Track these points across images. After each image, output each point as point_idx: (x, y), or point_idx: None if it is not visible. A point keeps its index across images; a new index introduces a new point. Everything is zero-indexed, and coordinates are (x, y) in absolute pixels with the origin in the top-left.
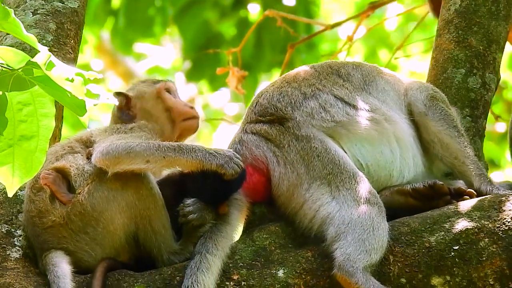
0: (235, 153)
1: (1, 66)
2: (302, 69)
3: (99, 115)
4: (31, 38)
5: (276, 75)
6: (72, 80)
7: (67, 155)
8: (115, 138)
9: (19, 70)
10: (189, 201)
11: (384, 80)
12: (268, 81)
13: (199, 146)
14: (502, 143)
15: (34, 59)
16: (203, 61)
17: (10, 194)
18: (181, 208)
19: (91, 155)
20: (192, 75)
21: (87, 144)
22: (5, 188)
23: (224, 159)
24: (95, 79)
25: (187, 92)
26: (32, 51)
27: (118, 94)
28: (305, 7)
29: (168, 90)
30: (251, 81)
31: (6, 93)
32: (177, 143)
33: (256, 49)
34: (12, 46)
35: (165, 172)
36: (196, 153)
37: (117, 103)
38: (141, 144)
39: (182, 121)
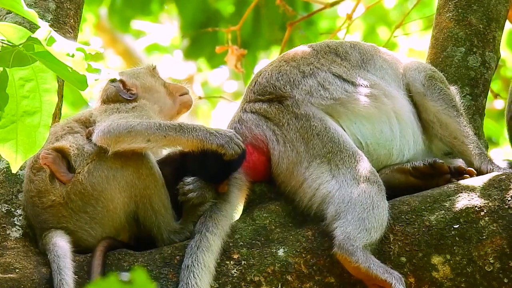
0: (235, 133)
1: (2, 42)
2: (300, 49)
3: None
4: (31, 14)
5: (274, 53)
6: (73, 55)
7: (67, 135)
8: (116, 117)
9: (20, 46)
10: (189, 179)
11: (382, 58)
12: (266, 59)
13: (200, 126)
14: (501, 120)
15: (34, 35)
16: (201, 39)
17: (14, 170)
18: (181, 187)
19: (91, 135)
20: (191, 53)
21: (87, 124)
22: (5, 168)
23: (224, 139)
24: (95, 54)
25: (186, 69)
26: (31, 31)
27: (113, 81)
28: None
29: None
30: (249, 59)
31: (8, 69)
32: (178, 122)
33: (254, 27)
34: None
35: (165, 151)
36: (197, 132)
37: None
38: (142, 123)
39: (180, 96)
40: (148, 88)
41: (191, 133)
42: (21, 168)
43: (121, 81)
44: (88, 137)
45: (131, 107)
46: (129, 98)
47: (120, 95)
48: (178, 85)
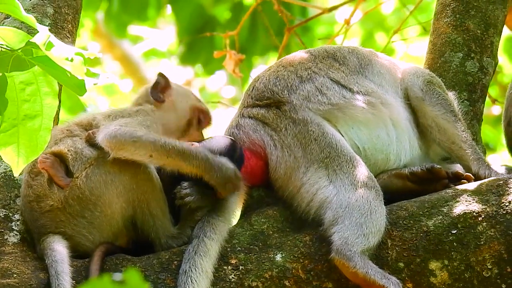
0: (237, 172)
1: (1, 47)
2: (298, 54)
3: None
4: (30, 19)
5: (271, 59)
6: (71, 60)
7: (66, 139)
8: (123, 122)
9: (19, 51)
10: (186, 183)
11: (380, 64)
12: (263, 64)
13: (204, 154)
14: (498, 126)
15: (33, 39)
16: (197, 44)
17: (16, 174)
18: (178, 191)
19: (90, 138)
20: (187, 59)
21: (88, 128)
22: (2, 173)
23: (223, 179)
24: (93, 60)
25: (184, 74)
26: (30, 35)
27: (161, 75)
28: None
29: (200, 117)
30: (246, 65)
31: (8, 73)
32: (184, 144)
33: (251, 33)
34: None
35: None
36: (199, 161)
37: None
38: (149, 137)
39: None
40: (173, 107)
41: (193, 160)
42: (20, 173)
43: (167, 82)
44: (88, 140)
45: (136, 109)
46: (154, 97)
47: (150, 91)
48: (197, 134)
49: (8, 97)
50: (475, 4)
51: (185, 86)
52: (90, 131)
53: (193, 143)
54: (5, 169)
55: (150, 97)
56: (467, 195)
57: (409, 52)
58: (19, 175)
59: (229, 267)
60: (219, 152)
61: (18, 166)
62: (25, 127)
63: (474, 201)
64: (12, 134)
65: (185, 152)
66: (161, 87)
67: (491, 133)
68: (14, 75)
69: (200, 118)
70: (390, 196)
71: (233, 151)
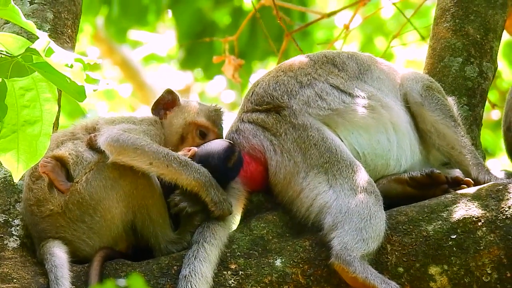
0: (231, 204)
1: (0, 53)
2: (297, 59)
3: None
4: (29, 25)
5: (270, 64)
6: (71, 66)
7: (68, 142)
8: (126, 128)
9: (19, 57)
10: (178, 190)
11: (379, 69)
12: (262, 69)
13: (204, 171)
14: (497, 130)
15: (33, 46)
16: (197, 49)
17: (16, 180)
18: (171, 199)
19: (91, 142)
20: (186, 64)
21: (90, 131)
22: (2, 178)
23: (219, 198)
24: (93, 65)
25: (184, 79)
26: (30, 40)
27: (168, 92)
28: None
29: (202, 130)
30: (245, 70)
31: (8, 79)
32: (186, 158)
33: (250, 38)
34: None
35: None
36: (199, 175)
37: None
38: (151, 145)
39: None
40: (171, 123)
41: (193, 173)
42: (20, 178)
43: (174, 98)
44: (89, 143)
45: (141, 119)
46: (155, 113)
47: (151, 107)
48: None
49: (8, 103)
50: (474, 9)
51: (195, 102)
52: (92, 135)
53: (192, 147)
54: (5, 174)
55: (153, 112)
56: (467, 200)
57: (408, 57)
58: (20, 180)
59: (228, 272)
60: (217, 155)
61: (18, 172)
62: (24, 133)
63: (473, 206)
64: (11, 140)
65: (187, 163)
66: (165, 103)
67: (491, 138)
68: (14, 81)
69: (202, 131)
70: (390, 201)
71: (231, 153)
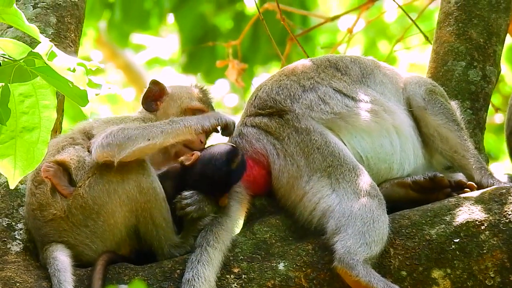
0: (223, 113)
1: (3, 57)
2: (300, 63)
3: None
4: (32, 29)
5: (273, 68)
6: (74, 70)
7: (68, 147)
8: (118, 129)
9: (21, 61)
10: (186, 193)
11: (382, 73)
12: (265, 73)
13: (189, 117)
14: (500, 134)
15: (35, 50)
16: (199, 54)
17: (12, 186)
18: (178, 201)
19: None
20: (189, 68)
21: (88, 135)
22: (6, 182)
23: (215, 117)
24: (96, 70)
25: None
26: (32, 45)
27: (154, 83)
28: None
29: (194, 113)
30: (248, 74)
31: (10, 83)
32: (170, 119)
33: (252, 42)
34: None
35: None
36: (189, 121)
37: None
38: (136, 127)
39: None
40: (166, 114)
41: (183, 121)
42: (22, 182)
43: (161, 89)
44: (90, 150)
45: (133, 118)
46: (147, 107)
47: (141, 101)
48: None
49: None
50: (478, 13)
51: (182, 86)
52: (91, 141)
53: (195, 152)
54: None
55: (144, 107)
56: (470, 204)
57: (411, 61)
58: (22, 184)
59: (231, 276)
60: (220, 158)
61: (14, 179)
62: (22, 139)
63: (476, 210)
64: (9, 146)
65: (173, 120)
66: (154, 95)
67: (494, 141)
68: (14, 87)
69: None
70: (393, 205)
71: (234, 156)
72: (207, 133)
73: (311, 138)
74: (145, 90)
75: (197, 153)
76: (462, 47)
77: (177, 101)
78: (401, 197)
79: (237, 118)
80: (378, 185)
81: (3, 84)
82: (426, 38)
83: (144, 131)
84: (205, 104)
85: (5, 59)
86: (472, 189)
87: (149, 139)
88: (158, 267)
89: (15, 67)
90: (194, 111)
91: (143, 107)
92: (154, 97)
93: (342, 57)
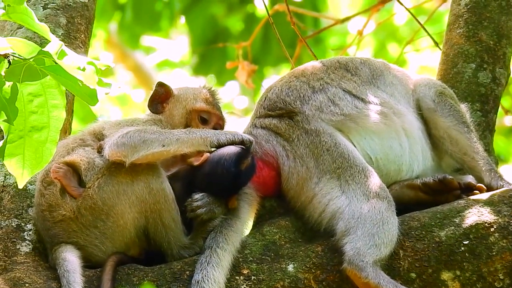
0: (241, 132)
1: (13, 56)
2: (310, 64)
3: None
4: (43, 28)
5: (283, 70)
6: (83, 69)
7: (78, 148)
8: (125, 131)
9: (31, 60)
10: (197, 195)
11: (392, 74)
12: (276, 75)
13: (207, 129)
14: (510, 137)
15: (45, 49)
16: (210, 55)
17: (20, 186)
18: (188, 203)
19: (102, 149)
20: (199, 69)
21: (99, 137)
22: (15, 183)
23: (232, 133)
24: (106, 70)
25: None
26: (42, 46)
27: (160, 85)
28: (312, 1)
29: (203, 115)
30: (258, 75)
31: (20, 82)
32: (187, 129)
33: (263, 44)
34: None
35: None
36: (206, 133)
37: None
38: (153, 131)
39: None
40: (172, 115)
41: (200, 132)
42: (31, 183)
43: (167, 90)
44: (100, 151)
45: (144, 120)
46: (153, 109)
47: (148, 103)
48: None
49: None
50: (487, 15)
51: (189, 87)
52: (102, 142)
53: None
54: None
55: (150, 109)
56: (479, 206)
57: (421, 63)
58: (31, 185)
59: (241, 277)
60: (229, 159)
61: (23, 178)
62: (31, 139)
63: (486, 212)
64: (18, 145)
65: (191, 130)
66: (160, 97)
67: (504, 144)
68: (23, 86)
69: (203, 117)
70: (402, 207)
71: (244, 157)
72: None
73: (320, 140)
74: (151, 92)
75: (206, 154)
76: (472, 49)
77: (183, 103)
78: (411, 198)
79: (246, 120)
80: (387, 187)
81: (11, 83)
82: (436, 43)
83: (160, 137)
84: (211, 106)
85: (15, 58)
86: (481, 191)
87: (163, 145)
88: (167, 268)
89: (24, 66)
90: (199, 113)
91: (149, 110)
92: (160, 99)
93: (352, 58)
